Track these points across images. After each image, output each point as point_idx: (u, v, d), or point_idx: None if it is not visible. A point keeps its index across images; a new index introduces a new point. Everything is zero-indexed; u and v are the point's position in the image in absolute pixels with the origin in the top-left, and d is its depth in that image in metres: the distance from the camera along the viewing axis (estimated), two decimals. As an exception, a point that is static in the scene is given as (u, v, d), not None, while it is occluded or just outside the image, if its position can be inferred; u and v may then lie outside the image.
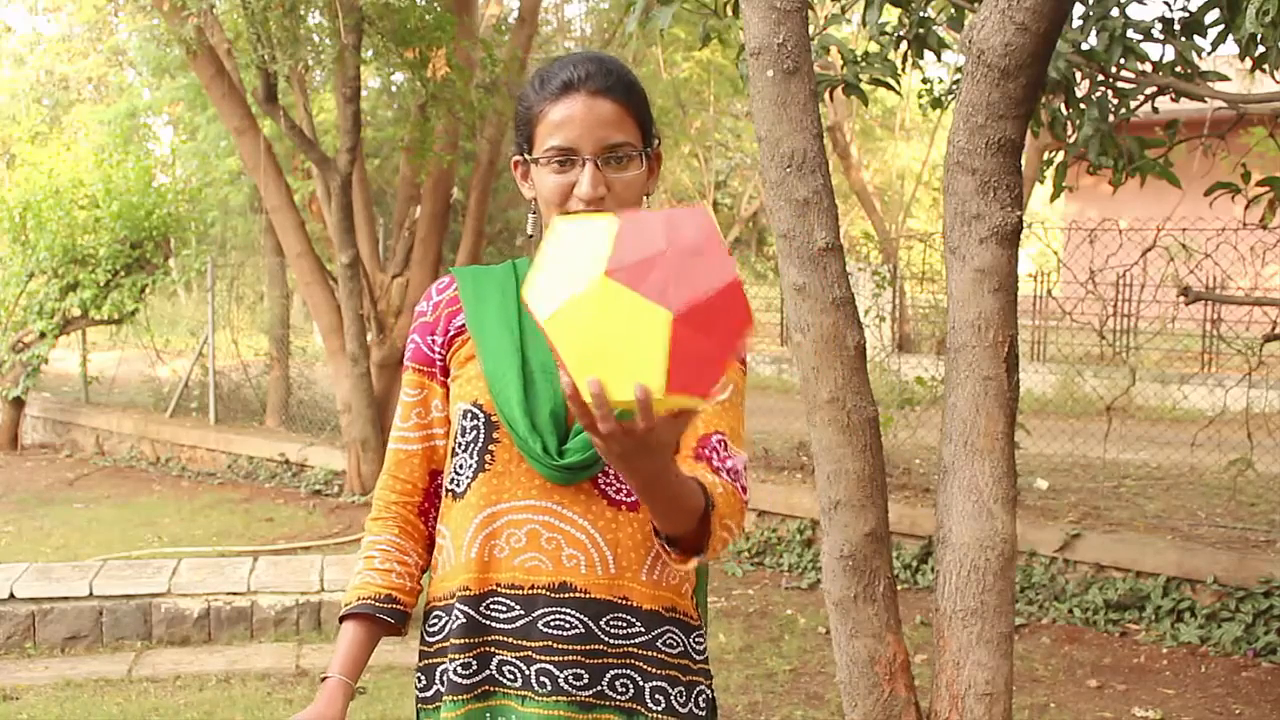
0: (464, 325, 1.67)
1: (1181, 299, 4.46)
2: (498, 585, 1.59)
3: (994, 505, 2.64)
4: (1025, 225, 2.93)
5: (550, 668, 1.56)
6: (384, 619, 1.65)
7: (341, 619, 1.66)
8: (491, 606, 1.59)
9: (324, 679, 1.62)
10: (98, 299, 10.03)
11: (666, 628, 1.61)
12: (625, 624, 1.58)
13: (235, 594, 5.14)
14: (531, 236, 1.72)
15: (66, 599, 5.01)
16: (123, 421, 10.16)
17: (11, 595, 4.97)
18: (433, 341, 1.69)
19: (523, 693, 1.57)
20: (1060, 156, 4.24)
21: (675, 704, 1.60)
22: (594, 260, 1.20)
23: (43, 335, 10.14)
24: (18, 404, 10.49)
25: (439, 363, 1.69)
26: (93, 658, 4.89)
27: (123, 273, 10.10)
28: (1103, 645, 5.15)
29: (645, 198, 1.67)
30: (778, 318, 14.94)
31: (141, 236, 10.02)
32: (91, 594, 5.03)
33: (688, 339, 1.19)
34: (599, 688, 1.57)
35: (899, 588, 4.36)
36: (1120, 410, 6.75)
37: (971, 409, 2.65)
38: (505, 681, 1.58)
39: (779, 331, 15.19)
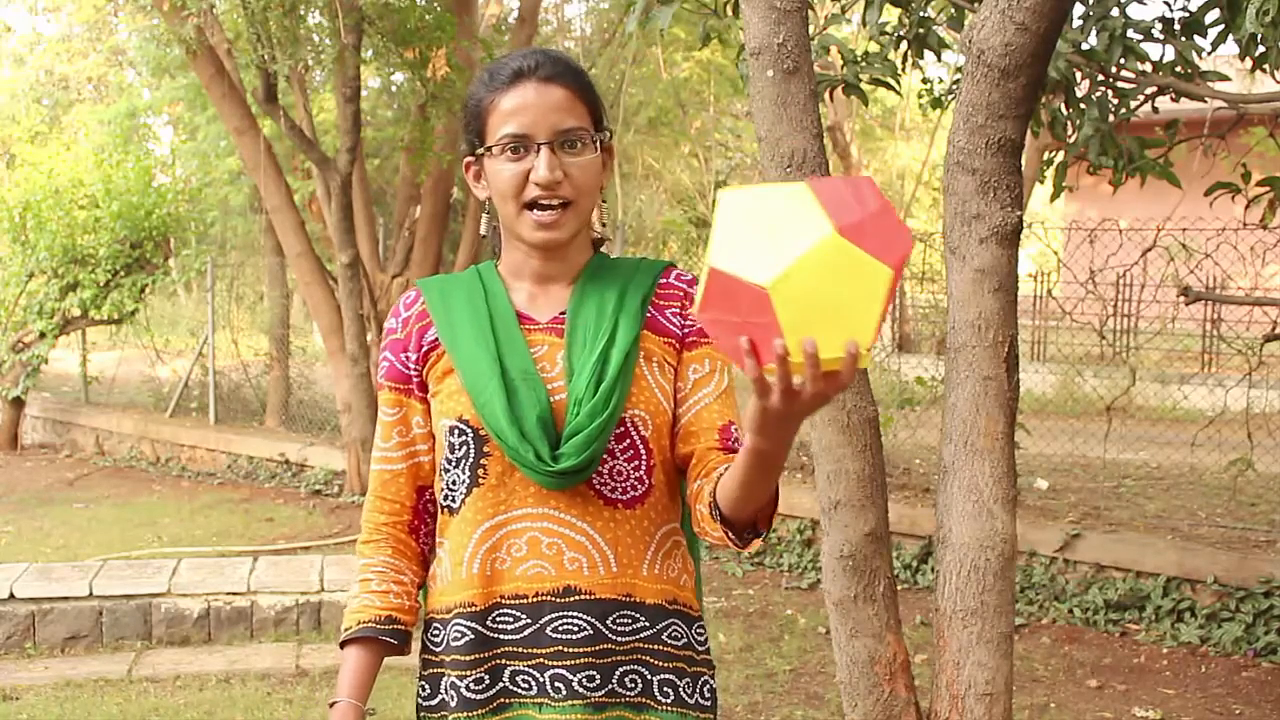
0: (437, 339, 1.65)
1: (1181, 299, 4.46)
2: (502, 597, 1.58)
3: (994, 505, 2.64)
4: (1025, 225, 2.93)
5: (564, 672, 1.56)
6: (386, 640, 1.64)
7: (343, 644, 1.65)
8: (497, 619, 1.58)
9: (332, 704, 1.61)
10: (98, 299, 10.03)
11: (671, 620, 1.62)
12: (631, 620, 1.58)
13: (235, 594, 5.14)
14: (485, 237, 1.71)
15: (66, 599, 5.00)
16: (123, 421, 10.16)
17: (11, 595, 4.97)
18: (406, 359, 1.66)
19: (539, 700, 1.57)
20: (1060, 156, 4.24)
21: (684, 695, 1.61)
22: (811, 220, 1.20)
23: (43, 335, 10.14)
24: (18, 404, 10.49)
25: (415, 379, 1.66)
26: (93, 658, 4.89)
27: (123, 273, 10.10)
28: (1103, 645, 5.15)
29: (599, 190, 1.65)
30: (778, 318, 14.90)
31: (141, 236, 10.02)
32: (91, 594, 5.02)
33: (889, 294, 1.21)
34: (610, 686, 1.57)
35: (899, 588, 4.36)
36: (1120, 410, 6.75)
37: (971, 409, 2.65)
38: (520, 691, 1.58)
39: (779, 331, 15.15)
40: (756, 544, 1.52)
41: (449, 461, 1.61)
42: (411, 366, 1.66)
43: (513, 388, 1.56)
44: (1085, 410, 8.83)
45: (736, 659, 4.95)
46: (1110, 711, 4.42)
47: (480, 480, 1.58)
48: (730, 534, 1.49)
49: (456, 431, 1.59)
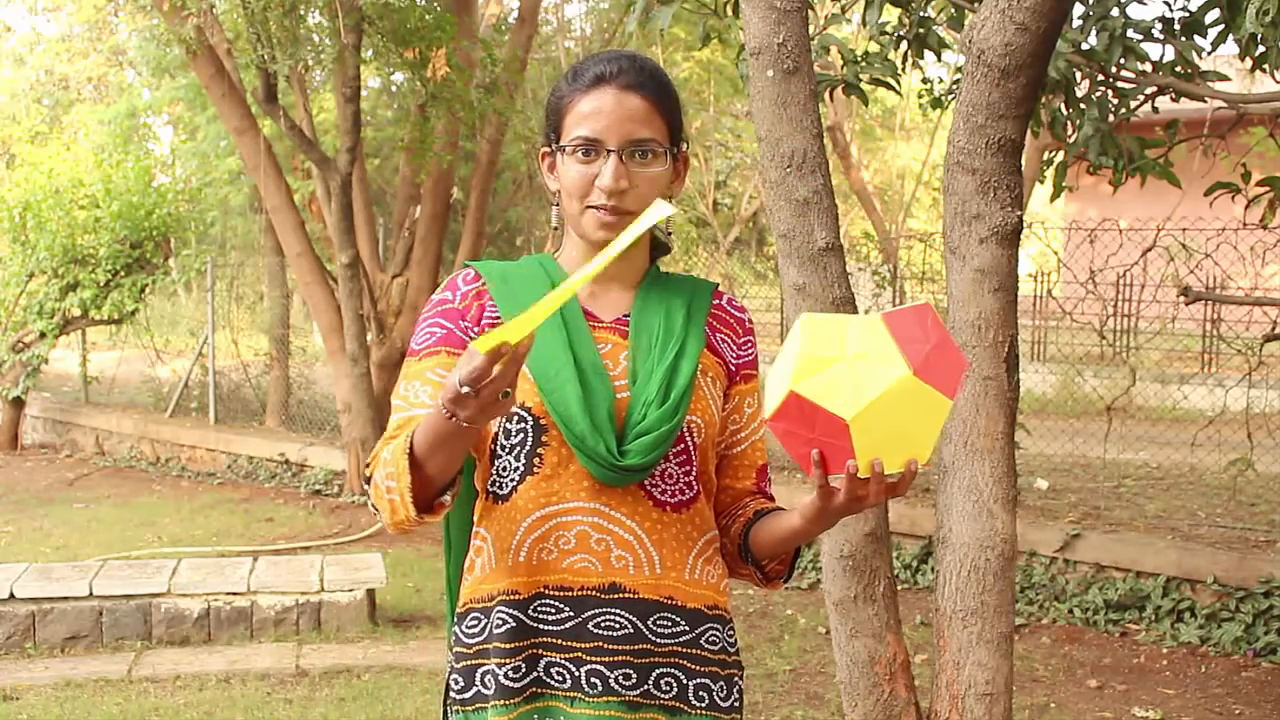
0: (499, 319, 1.64)
1: (1181, 299, 4.46)
2: (545, 587, 1.59)
3: (994, 505, 2.64)
4: (1025, 225, 2.93)
5: (601, 668, 1.57)
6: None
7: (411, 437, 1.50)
8: (539, 608, 1.59)
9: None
10: (98, 299, 10.03)
11: (709, 625, 1.65)
12: (671, 623, 1.60)
13: (235, 594, 5.14)
14: (556, 229, 1.74)
15: (66, 599, 5.00)
16: (123, 421, 10.16)
17: (11, 595, 4.97)
18: (466, 327, 1.65)
19: (572, 694, 1.57)
20: (1060, 156, 4.24)
21: (717, 699, 1.64)
22: (889, 359, 1.37)
23: (43, 335, 10.14)
24: (18, 404, 10.49)
25: None
26: (93, 658, 4.89)
27: (123, 273, 10.09)
28: (1103, 645, 5.15)
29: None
30: (778, 318, 14.93)
31: (141, 236, 10.02)
32: (91, 594, 5.02)
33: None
34: (645, 687, 1.58)
35: (899, 588, 4.35)
36: (1120, 410, 6.74)
37: (971, 409, 2.65)
38: (553, 683, 1.58)
39: (779, 331, 15.18)
40: (779, 585, 1.71)
41: (501, 448, 1.61)
42: (472, 336, 1.64)
43: (586, 380, 1.58)
44: (1085, 410, 8.83)
45: (736, 659, 4.95)
46: (1110, 711, 4.42)
47: (535, 469, 1.59)
48: (758, 574, 1.68)
49: (515, 418, 1.60)
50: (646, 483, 1.59)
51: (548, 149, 1.67)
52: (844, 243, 3.45)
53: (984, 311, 2.63)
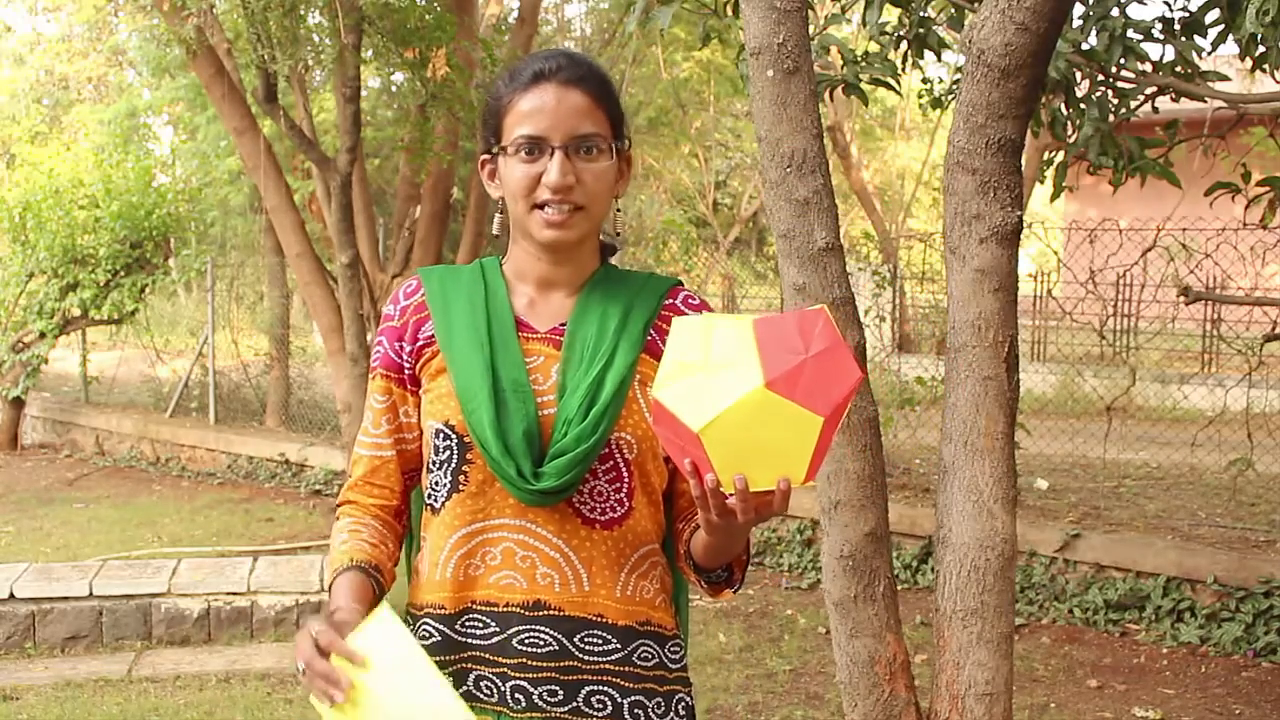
0: (433, 335, 1.62)
1: (1182, 299, 4.46)
2: (473, 603, 1.58)
3: (994, 505, 2.64)
4: (1025, 225, 2.93)
5: (524, 684, 1.55)
6: (374, 585, 1.57)
7: (334, 578, 1.57)
8: (467, 624, 1.58)
9: (333, 612, 1.48)
10: (98, 299, 10.03)
11: (641, 641, 1.60)
12: (600, 640, 1.57)
13: (235, 594, 5.14)
14: (498, 236, 1.68)
15: (66, 599, 5.00)
16: (123, 421, 10.16)
17: (11, 595, 4.97)
18: (400, 348, 1.64)
19: (498, 708, 1.56)
20: (1060, 156, 4.23)
21: (653, 715, 1.60)
22: (745, 368, 1.28)
23: (43, 335, 10.14)
24: (18, 404, 10.48)
25: (408, 371, 1.64)
26: (93, 658, 4.89)
27: (123, 273, 10.10)
28: (1103, 645, 5.15)
29: (615, 200, 1.64)
30: (778, 318, 14.90)
31: (141, 236, 10.02)
32: (91, 594, 5.02)
33: (827, 434, 1.30)
34: (575, 704, 1.56)
35: (899, 588, 4.35)
36: (1120, 410, 6.74)
37: (971, 409, 2.65)
38: (482, 697, 1.57)
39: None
40: (728, 594, 1.61)
41: (433, 464, 1.61)
42: (405, 357, 1.64)
43: (502, 399, 1.54)
44: (1085, 410, 8.83)
45: (736, 659, 4.95)
46: (1110, 711, 4.42)
47: (461, 486, 1.57)
48: (703, 583, 1.60)
49: (441, 435, 1.58)
50: (575, 500, 1.56)
51: (488, 155, 1.63)
52: (844, 243, 3.45)
53: (984, 311, 2.63)
